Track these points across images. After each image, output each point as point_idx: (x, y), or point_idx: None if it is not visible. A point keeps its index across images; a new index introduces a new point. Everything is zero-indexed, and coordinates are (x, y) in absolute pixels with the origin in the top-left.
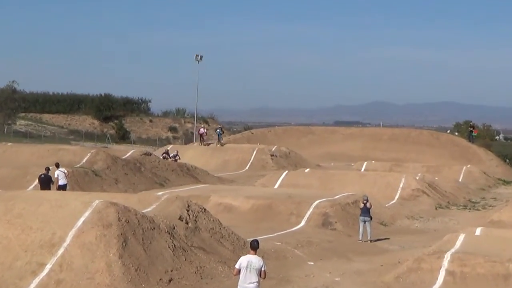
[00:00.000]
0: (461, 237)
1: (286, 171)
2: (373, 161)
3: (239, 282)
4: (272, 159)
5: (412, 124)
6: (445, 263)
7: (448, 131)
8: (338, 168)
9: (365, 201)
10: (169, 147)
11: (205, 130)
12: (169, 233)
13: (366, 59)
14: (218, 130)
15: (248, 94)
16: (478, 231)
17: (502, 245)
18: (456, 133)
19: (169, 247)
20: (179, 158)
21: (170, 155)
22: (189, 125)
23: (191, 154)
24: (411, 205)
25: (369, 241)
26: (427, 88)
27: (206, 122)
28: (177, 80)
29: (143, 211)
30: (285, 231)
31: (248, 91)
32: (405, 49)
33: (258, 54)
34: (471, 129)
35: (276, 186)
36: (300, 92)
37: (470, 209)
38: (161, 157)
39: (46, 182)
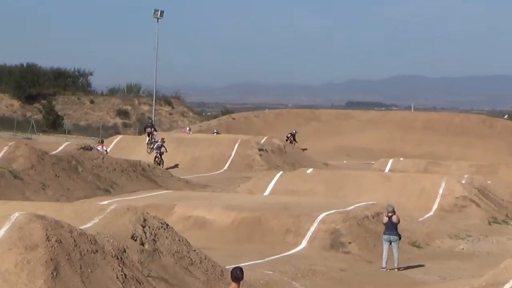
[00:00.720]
0: None
1: (281, 172)
2: (402, 158)
3: None
4: (260, 155)
5: (454, 106)
6: None
7: (506, 116)
8: (353, 168)
9: (390, 214)
10: (118, 138)
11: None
12: (117, 258)
13: (385, 16)
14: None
15: (226, 66)
16: None
17: None
18: None
19: (117, 277)
20: (165, 150)
21: (154, 146)
22: (146, 107)
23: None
24: (455, 218)
25: (396, 269)
26: (471, 57)
27: (169, 104)
28: (128, 45)
29: (82, 227)
30: (279, 256)
31: (227, 61)
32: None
33: (240, 11)
34: None
35: (266, 193)
36: (298, 62)
37: None
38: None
39: None
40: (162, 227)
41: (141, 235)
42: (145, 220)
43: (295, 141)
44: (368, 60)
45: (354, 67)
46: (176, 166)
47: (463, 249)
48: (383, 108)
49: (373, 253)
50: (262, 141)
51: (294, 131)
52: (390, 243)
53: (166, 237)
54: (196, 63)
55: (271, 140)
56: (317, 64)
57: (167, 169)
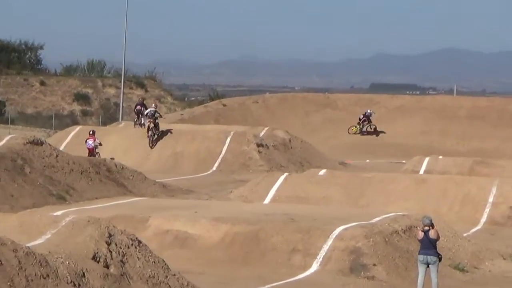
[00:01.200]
0: None
1: (285, 174)
2: (441, 156)
3: None
4: (259, 151)
5: (510, 89)
6: None
7: None
8: (378, 169)
9: (427, 228)
10: (76, 129)
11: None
12: (74, 285)
13: None
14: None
15: (217, 37)
16: None
17: None
18: None
19: None
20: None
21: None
22: (112, 90)
23: (115, 143)
24: (510, 234)
25: None
26: None
27: (142, 86)
28: (89, 11)
29: (29, 244)
30: (283, 282)
31: (218, 31)
32: None
33: None
34: None
35: (266, 201)
36: (308, 32)
37: None
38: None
39: None
40: (132, 244)
41: (106, 255)
42: (110, 235)
43: (371, 124)
44: (400, 29)
45: (382, 39)
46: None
47: None
48: (417, 92)
49: (404, 278)
50: (262, 134)
51: (369, 112)
52: (427, 266)
53: (138, 257)
54: (177, 34)
55: (273, 133)
56: (334, 35)
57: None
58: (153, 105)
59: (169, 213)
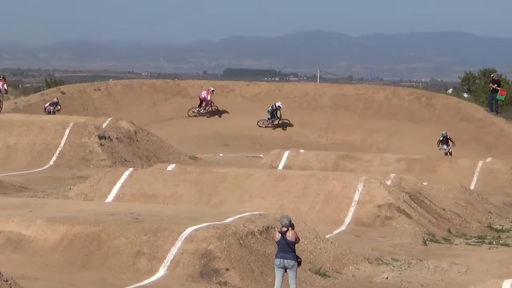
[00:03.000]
0: None
1: (130, 170)
2: (302, 150)
3: None
4: (102, 144)
5: (381, 75)
6: None
7: (450, 90)
8: (233, 164)
9: (285, 229)
10: None
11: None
12: None
13: None
14: None
15: (53, 17)
16: (506, 286)
17: None
18: (466, 95)
19: None
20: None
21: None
22: None
23: None
24: (376, 235)
25: None
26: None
27: None
28: None
29: None
30: None
31: (52, 11)
32: None
33: None
34: (494, 86)
35: (109, 199)
36: (152, 13)
37: (491, 243)
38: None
39: None
40: None
41: None
42: None
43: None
44: (258, 8)
45: (238, 18)
46: None
47: (387, 278)
48: (277, 79)
49: (260, 284)
50: (104, 125)
51: (278, 105)
52: (285, 270)
53: None
54: (8, 15)
55: (117, 124)
56: (183, 15)
57: None
58: (55, 99)
59: (0, 213)
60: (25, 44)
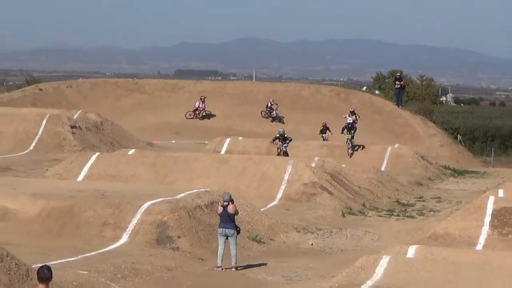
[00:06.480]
0: (384, 261)
1: (97, 154)
2: (241, 138)
3: None
4: (73, 133)
5: (309, 75)
6: None
7: (364, 88)
8: (183, 149)
9: (226, 203)
10: None
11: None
12: None
13: None
14: None
15: (31, 24)
16: (411, 251)
17: (450, 275)
18: (377, 91)
19: None
20: None
21: None
22: None
23: None
24: (303, 209)
25: (233, 269)
26: (335, 18)
27: None
28: None
29: None
30: (95, 252)
31: (31, 18)
32: None
33: None
34: (398, 83)
35: (80, 178)
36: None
37: (398, 215)
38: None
39: None
40: None
41: None
42: None
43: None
44: (203, 18)
45: (186, 27)
46: None
47: (312, 244)
48: (219, 78)
49: (206, 249)
50: (75, 116)
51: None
52: (227, 238)
53: None
54: None
55: (85, 115)
56: (143, 23)
57: None
58: None
59: None
60: (8, 48)
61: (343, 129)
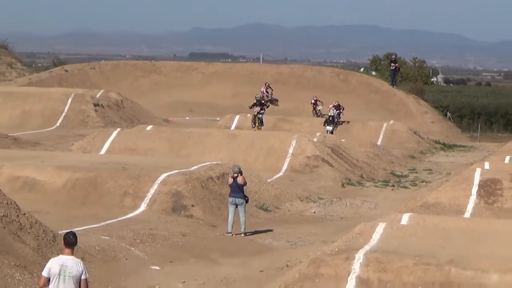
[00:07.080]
0: (380, 228)
1: (118, 129)
2: (249, 115)
3: None
4: (96, 110)
5: (311, 58)
6: (356, 267)
7: (362, 69)
8: (196, 125)
9: (236, 175)
10: None
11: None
12: None
13: None
14: None
15: (58, 11)
16: (405, 218)
17: (440, 240)
18: (374, 72)
19: None
20: None
21: None
22: None
23: None
24: (306, 180)
25: (242, 234)
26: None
27: None
28: None
29: None
30: (116, 220)
31: (58, 5)
32: None
33: None
34: (393, 64)
35: (102, 152)
36: (138, 7)
37: (393, 186)
38: None
39: None
40: None
41: None
42: None
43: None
44: (215, 6)
45: (200, 14)
46: None
47: (314, 212)
48: (229, 60)
49: (217, 216)
50: (98, 95)
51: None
52: (236, 206)
53: None
54: (23, 9)
55: (107, 94)
56: (160, 10)
57: None
58: None
59: (19, 162)
60: (37, 33)
61: (325, 122)
